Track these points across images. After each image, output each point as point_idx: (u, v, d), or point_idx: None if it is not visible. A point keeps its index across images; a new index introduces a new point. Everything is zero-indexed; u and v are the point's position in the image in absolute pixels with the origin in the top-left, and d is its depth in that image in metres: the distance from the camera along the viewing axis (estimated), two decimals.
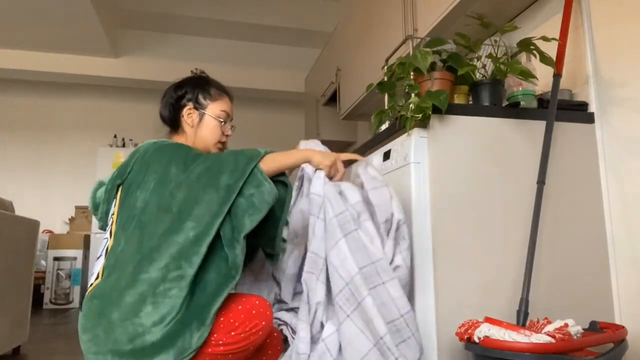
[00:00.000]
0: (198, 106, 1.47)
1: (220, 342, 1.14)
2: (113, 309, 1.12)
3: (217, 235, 1.20)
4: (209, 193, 1.20)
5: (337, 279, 1.24)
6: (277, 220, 1.37)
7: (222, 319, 1.16)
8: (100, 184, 1.41)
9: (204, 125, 1.46)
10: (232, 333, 1.15)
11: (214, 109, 1.47)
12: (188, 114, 1.46)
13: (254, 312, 1.18)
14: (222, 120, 1.47)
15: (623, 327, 1.28)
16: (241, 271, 1.19)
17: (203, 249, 1.16)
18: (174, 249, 1.15)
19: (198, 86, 1.49)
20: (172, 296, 1.11)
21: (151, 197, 1.22)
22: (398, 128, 1.54)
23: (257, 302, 1.21)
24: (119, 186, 1.33)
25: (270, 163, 1.29)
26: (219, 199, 1.20)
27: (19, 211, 2.48)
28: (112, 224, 1.28)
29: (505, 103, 1.58)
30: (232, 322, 1.15)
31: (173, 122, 1.49)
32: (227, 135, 1.51)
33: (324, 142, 5.04)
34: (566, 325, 1.14)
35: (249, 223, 1.20)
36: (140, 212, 1.22)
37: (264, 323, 1.18)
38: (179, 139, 1.48)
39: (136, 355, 1.08)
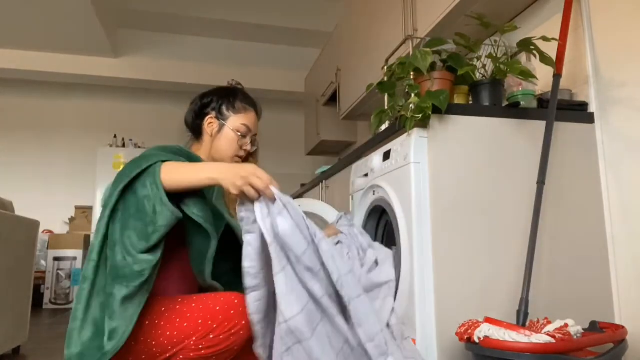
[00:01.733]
0: (220, 116, 1.45)
1: (200, 346, 1.10)
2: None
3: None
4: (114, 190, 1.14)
5: None
6: (198, 265, 1.24)
7: (200, 321, 1.12)
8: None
9: (222, 137, 1.44)
10: (211, 336, 1.10)
11: (235, 121, 1.45)
12: (209, 123, 1.45)
13: (232, 312, 1.12)
14: (240, 134, 1.45)
15: (623, 327, 1.28)
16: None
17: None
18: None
19: (224, 97, 1.48)
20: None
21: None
22: (398, 128, 1.53)
23: (235, 300, 1.14)
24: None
25: (171, 172, 1.12)
26: (114, 194, 1.13)
27: (19, 211, 2.48)
28: None
29: (505, 103, 1.58)
30: (209, 324, 1.11)
31: (195, 129, 1.49)
32: (245, 150, 1.47)
33: (324, 142, 5.02)
34: (566, 325, 1.14)
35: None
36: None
37: (244, 322, 1.12)
38: (197, 147, 1.48)
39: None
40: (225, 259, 1.38)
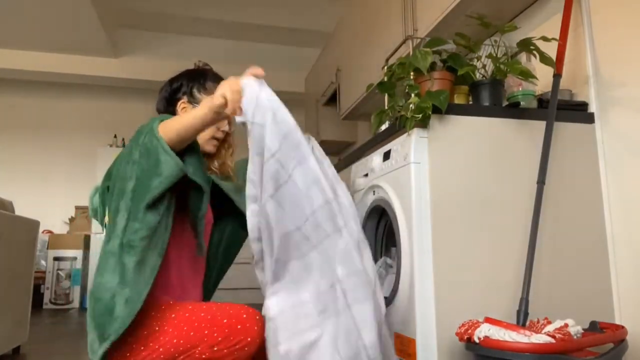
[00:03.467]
0: (192, 100, 1.43)
1: (204, 356, 1.10)
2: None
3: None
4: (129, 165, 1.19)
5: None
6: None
7: (206, 332, 1.11)
8: (96, 189, 1.40)
9: None
10: (215, 348, 1.09)
11: None
12: (182, 108, 1.43)
13: (239, 326, 1.10)
14: None
15: (623, 327, 1.28)
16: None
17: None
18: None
19: (193, 79, 1.45)
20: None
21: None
22: (398, 128, 1.53)
23: (244, 315, 1.13)
24: (108, 187, 1.32)
25: (166, 124, 1.18)
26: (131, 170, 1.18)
27: (19, 211, 2.48)
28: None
29: (505, 103, 1.58)
30: (215, 337, 1.10)
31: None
32: (223, 131, 1.45)
33: (324, 142, 5.02)
34: (566, 325, 1.14)
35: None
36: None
37: (249, 339, 1.09)
38: None
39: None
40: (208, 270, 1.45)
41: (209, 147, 1.45)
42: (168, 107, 1.46)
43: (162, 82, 1.54)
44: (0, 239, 2.13)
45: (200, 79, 1.46)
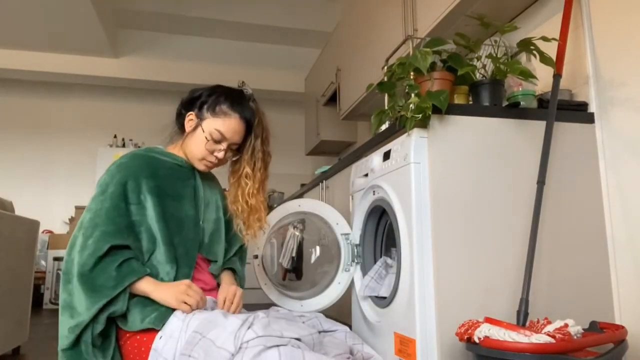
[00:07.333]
0: (199, 115, 1.41)
1: None
2: None
3: None
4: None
5: None
6: None
7: None
8: None
9: (194, 136, 1.40)
10: None
11: (209, 124, 1.39)
12: (189, 119, 1.43)
13: None
14: (211, 139, 1.38)
15: (623, 327, 1.28)
16: None
17: None
18: None
19: (211, 95, 1.42)
20: None
21: None
22: (398, 128, 1.53)
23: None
24: None
25: (144, 286, 1.26)
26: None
27: (19, 211, 2.48)
28: None
29: (505, 103, 1.57)
30: None
31: (179, 120, 1.48)
32: (217, 157, 1.41)
33: (324, 142, 5.04)
34: (566, 325, 1.14)
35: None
36: None
37: None
38: (177, 138, 1.48)
39: None
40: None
41: (200, 166, 1.44)
42: (181, 112, 1.47)
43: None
44: (0, 239, 2.13)
45: (218, 97, 1.42)
